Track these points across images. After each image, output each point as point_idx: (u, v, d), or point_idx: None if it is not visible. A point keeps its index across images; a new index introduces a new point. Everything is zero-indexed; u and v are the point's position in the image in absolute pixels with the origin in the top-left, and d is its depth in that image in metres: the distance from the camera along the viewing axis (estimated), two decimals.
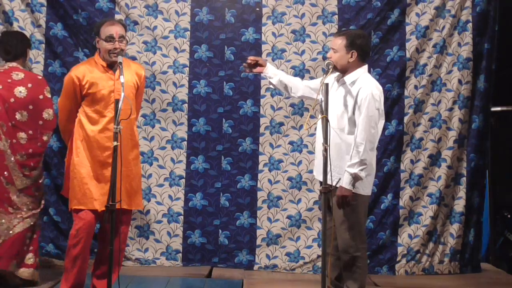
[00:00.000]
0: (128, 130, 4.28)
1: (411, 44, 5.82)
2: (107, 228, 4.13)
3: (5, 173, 4.69)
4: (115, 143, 3.77)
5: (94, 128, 4.28)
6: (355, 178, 3.95)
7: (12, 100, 4.70)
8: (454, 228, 5.85)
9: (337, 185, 4.04)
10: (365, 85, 4.05)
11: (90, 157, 4.27)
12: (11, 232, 4.73)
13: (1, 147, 4.74)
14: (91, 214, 4.23)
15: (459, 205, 5.86)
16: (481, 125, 5.89)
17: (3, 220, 4.72)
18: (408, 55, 5.82)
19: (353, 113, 4.04)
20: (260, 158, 5.78)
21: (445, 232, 5.87)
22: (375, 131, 4.00)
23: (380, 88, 4.13)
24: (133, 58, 5.74)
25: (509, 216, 6.60)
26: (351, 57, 4.12)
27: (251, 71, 4.54)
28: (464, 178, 5.88)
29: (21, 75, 4.75)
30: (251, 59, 4.47)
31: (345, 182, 3.98)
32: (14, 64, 4.81)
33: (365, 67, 4.20)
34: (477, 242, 5.95)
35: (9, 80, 4.74)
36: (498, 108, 6.58)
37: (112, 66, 4.31)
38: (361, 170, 3.95)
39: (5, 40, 4.84)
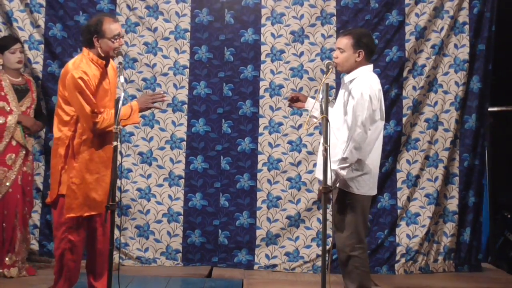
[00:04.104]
0: None
1: (410, 44, 5.84)
2: (93, 228, 4.11)
3: None
4: (114, 143, 3.76)
5: None
6: (336, 175, 3.92)
7: None
8: (448, 227, 5.89)
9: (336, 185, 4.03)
10: (358, 84, 4.02)
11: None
12: None
13: None
14: None
15: (452, 204, 5.89)
16: (474, 125, 5.91)
17: None
18: (407, 55, 5.84)
19: (346, 112, 4.04)
20: (259, 157, 5.80)
21: (439, 231, 5.89)
22: (362, 131, 3.92)
23: (376, 87, 4.04)
24: (135, 60, 5.78)
25: (509, 216, 6.60)
26: (359, 56, 4.07)
27: (291, 106, 4.43)
28: (457, 178, 5.91)
29: None
30: (292, 95, 4.39)
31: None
32: None
33: (369, 66, 4.14)
34: (474, 241, 5.96)
35: None
36: (498, 108, 6.58)
37: (106, 64, 4.13)
38: (342, 168, 3.91)
39: None
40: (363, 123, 3.93)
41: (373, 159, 4.11)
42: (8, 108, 5.05)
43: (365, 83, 4.02)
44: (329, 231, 4.37)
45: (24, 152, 5.10)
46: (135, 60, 5.78)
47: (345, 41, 4.11)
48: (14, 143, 5.05)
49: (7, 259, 5.00)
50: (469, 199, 5.91)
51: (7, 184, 4.99)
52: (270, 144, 5.81)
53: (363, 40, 4.09)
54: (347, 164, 3.93)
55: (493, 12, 5.89)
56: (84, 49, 4.10)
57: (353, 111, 3.96)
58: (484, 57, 5.90)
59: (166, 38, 5.81)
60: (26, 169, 5.12)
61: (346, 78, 4.14)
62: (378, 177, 4.19)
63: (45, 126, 5.44)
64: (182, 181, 5.78)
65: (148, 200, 5.75)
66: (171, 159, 5.78)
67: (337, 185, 3.99)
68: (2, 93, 5.07)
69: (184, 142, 5.80)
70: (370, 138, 4.01)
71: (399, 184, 5.83)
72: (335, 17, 5.86)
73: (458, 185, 5.90)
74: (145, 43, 5.80)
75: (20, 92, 5.16)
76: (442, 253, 5.88)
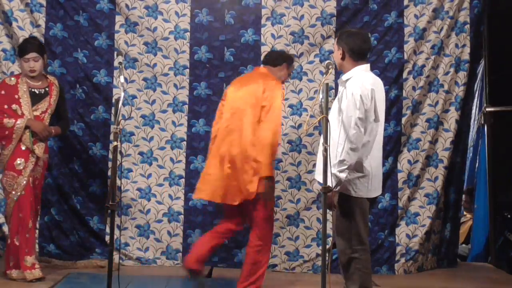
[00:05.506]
0: None
1: (409, 45, 5.84)
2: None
3: None
4: (114, 143, 3.75)
5: None
6: (335, 178, 3.88)
7: None
8: (436, 224, 5.95)
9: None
10: (351, 84, 4.01)
11: None
12: None
13: None
14: None
15: (440, 201, 5.94)
16: (459, 123, 5.95)
17: None
18: (406, 57, 5.84)
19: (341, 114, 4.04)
20: None
21: (431, 229, 5.92)
22: (356, 132, 3.88)
23: (369, 87, 3.96)
24: (135, 60, 5.76)
25: (509, 216, 6.59)
26: (340, 54, 4.12)
27: None
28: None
29: None
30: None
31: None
32: None
33: (363, 66, 4.10)
34: (453, 237, 6.11)
35: None
36: (497, 108, 6.58)
37: None
38: (340, 171, 3.86)
39: None
40: (357, 123, 3.89)
41: (371, 162, 4.05)
42: (20, 112, 4.94)
43: (357, 82, 3.99)
44: (329, 231, 4.37)
45: (34, 157, 4.94)
46: (135, 60, 5.78)
47: (334, 41, 4.25)
48: (23, 147, 4.93)
49: (27, 261, 4.88)
50: (450, 196, 6.01)
51: (18, 189, 4.92)
52: None
53: (341, 38, 4.13)
54: (345, 167, 3.88)
55: (484, 12, 5.92)
56: (264, 68, 4.80)
57: (346, 112, 3.94)
58: (471, 56, 5.94)
59: (166, 38, 5.80)
60: (35, 174, 4.98)
61: (343, 78, 4.15)
62: None
63: (63, 132, 5.20)
64: (182, 181, 5.78)
65: (148, 200, 5.75)
66: (171, 159, 5.78)
67: (338, 189, 3.93)
68: (16, 96, 4.96)
69: (185, 142, 5.80)
70: (366, 140, 3.96)
71: (400, 185, 5.83)
72: (335, 18, 5.86)
73: (445, 182, 5.96)
74: (145, 43, 5.80)
75: (37, 96, 5.00)
76: (431, 250, 5.95)
